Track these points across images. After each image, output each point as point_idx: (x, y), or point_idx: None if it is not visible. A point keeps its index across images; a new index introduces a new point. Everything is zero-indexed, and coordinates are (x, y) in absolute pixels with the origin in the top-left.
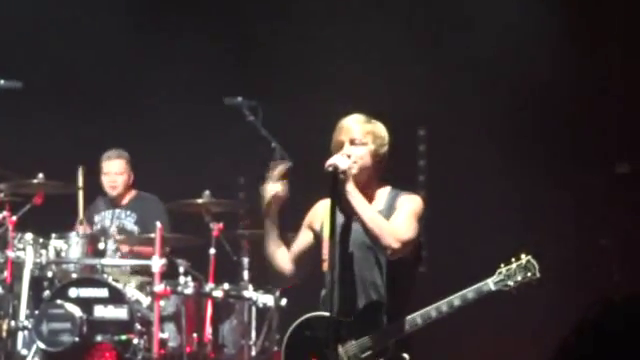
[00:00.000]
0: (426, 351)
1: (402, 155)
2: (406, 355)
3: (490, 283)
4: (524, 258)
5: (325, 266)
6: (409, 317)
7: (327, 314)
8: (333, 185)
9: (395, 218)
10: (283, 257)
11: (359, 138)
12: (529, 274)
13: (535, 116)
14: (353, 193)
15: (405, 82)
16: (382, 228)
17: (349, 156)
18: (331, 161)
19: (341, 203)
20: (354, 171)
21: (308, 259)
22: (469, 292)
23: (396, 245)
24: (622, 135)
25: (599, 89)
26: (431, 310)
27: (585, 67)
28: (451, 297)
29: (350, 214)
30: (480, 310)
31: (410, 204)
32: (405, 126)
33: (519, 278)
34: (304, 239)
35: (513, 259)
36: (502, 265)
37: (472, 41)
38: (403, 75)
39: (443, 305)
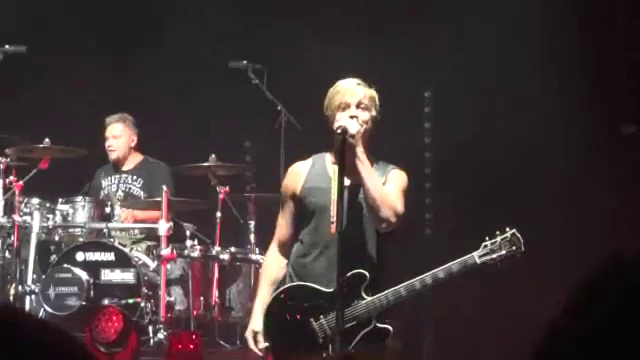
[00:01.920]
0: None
1: (408, 117)
2: (389, 326)
3: (475, 256)
4: (509, 232)
5: (333, 229)
6: (393, 289)
7: (309, 284)
8: (341, 148)
9: (390, 190)
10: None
11: (365, 102)
12: (514, 248)
13: (540, 75)
14: (362, 158)
15: (411, 44)
16: (384, 199)
17: (356, 117)
18: (341, 123)
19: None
20: (361, 135)
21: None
22: (454, 265)
23: (393, 219)
24: (629, 95)
25: (605, 52)
26: (415, 282)
27: (592, 25)
28: (435, 270)
29: (352, 180)
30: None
31: (401, 179)
32: (411, 88)
33: (504, 252)
34: (290, 217)
35: (498, 232)
36: (487, 239)
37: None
38: (408, 37)
39: (427, 277)
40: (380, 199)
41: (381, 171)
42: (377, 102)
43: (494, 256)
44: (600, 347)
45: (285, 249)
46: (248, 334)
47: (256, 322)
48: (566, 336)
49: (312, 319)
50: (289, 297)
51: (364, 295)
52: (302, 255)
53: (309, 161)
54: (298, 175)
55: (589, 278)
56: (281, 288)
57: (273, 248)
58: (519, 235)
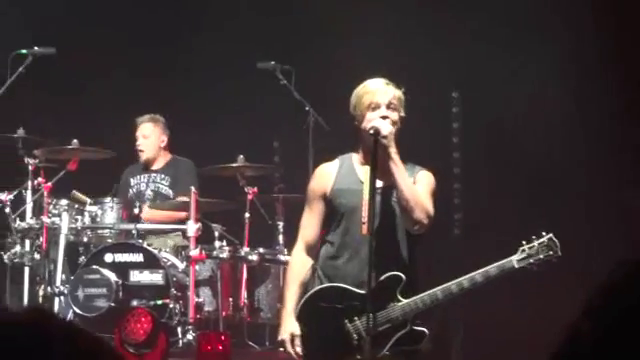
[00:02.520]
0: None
1: (436, 117)
2: (425, 329)
3: (513, 261)
4: (546, 236)
5: (364, 229)
6: (430, 291)
7: (342, 285)
8: (373, 149)
9: (420, 192)
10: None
11: (395, 103)
12: (551, 252)
13: (564, 75)
14: (396, 159)
15: (439, 44)
16: (417, 201)
17: (387, 117)
18: (374, 124)
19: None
20: (393, 134)
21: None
22: (491, 269)
23: (426, 220)
24: None
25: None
26: (452, 285)
27: (614, 20)
28: (473, 273)
29: (383, 181)
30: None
31: (430, 180)
32: (439, 88)
33: (541, 256)
34: (317, 217)
35: (534, 237)
36: (524, 243)
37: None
38: (437, 37)
39: (465, 281)
40: (414, 201)
41: (409, 172)
42: (404, 103)
43: (532, 260)
44: (617, 350)
45: (311, 250)
46: (286, 337)
47: (292, 325)
48: (585, 339)
49: (346, 320)
50: (322, 298)
51: (400, 297)
52: (333, 257)
53: (336, 162)
54: (327, 176)
55: (607, 281)
56: (314, 289)
57: (299, 249)
58: (556, 240)
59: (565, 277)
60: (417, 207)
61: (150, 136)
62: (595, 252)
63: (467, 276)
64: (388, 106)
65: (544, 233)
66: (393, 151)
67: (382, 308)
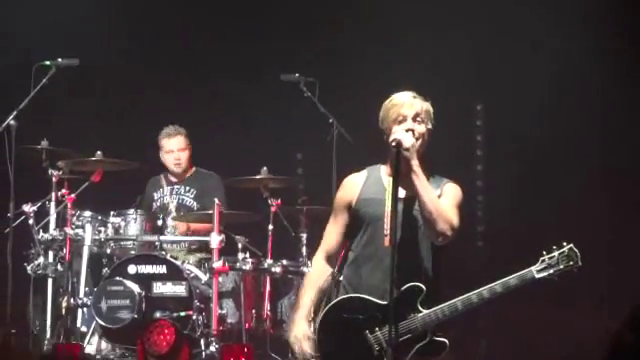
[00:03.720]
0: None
1: (460, 130)
2: (446, 340)
3: (533, 271)
4: (566, 246)
5: (387, 241)
6: (450, 302)
7: (363, 296)
8: (396, 161)
9: (445, 204)
10: (326, 279)
11: (422, 115)
12: (571, 262)
13: (591, 88)
14: (418, 171)
15: (463, 58)
16: (440, 212)
17: (412, 131)
18: (396, 136)
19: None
20: (417, 147)
21: (343, 246)
22: (511, 279)
23: (449, 232)
24: None
25: None
26: (472, 295)
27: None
28: (493, 284)
29: (407, 193)
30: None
31: (456, 192)
32: (463, 101)
33: (562, 267)
34: (341, 227)
35: (555, 247)
36: (544, 253)
37: (528, 15)
38: (461, 51)
39: (485, 291)
40: (436, 212)
41: (436, 184)
42: (431, 116)
43: (552, 271)
44: None
45: (332, 259)
46: (299, 337)
47: (304, 327)
48: (628, 350)
49: (368, 331)
50: (344, 309)
51: (420, 308)
52: (357, 266)
53: (364, 173)
54: (353, 186)
55: (633, 317)
56: (335, 300)
57: (319, 256)
58: (576, 250)
59: (588, 288)
60: (440, 219)
61: (186, 149)
62: (619, 266)
63: (487, 287)
64: (414, 119)
65: (564, 243)
66: (415, 164)
67: (403, 319)
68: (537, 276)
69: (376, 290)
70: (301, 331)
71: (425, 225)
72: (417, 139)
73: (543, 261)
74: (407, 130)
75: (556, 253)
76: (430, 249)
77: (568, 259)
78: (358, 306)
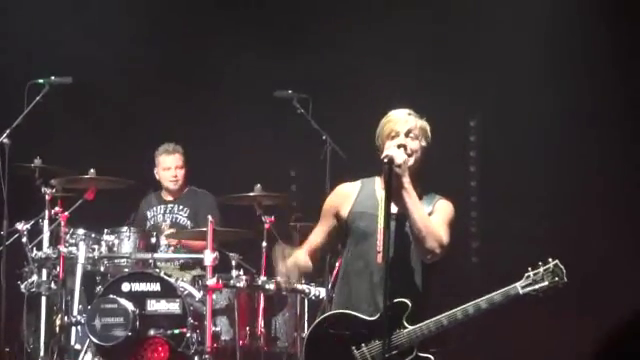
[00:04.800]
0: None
1: (454, 146)
2: (430, 356)
3: (518, 287)
4: (551, 262)
5: (379, 258)
6: (435, 318)
7: (350, 312)
8: (388, 177)
9: (436, 221)
10: (304, 261)
11: (415, 132)
12: (556, 278)
13: (587, 102)
14: (408, 188)
15: (456, 73)
16: (429, 230)
17: (404, 146)
18: (388, 152)
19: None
20: (410, 163)
21: (327, 249)
22: (496, 295)
23: (438, 250)
24: None
25: None
26: (457, 312)
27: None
28: (478, 300)
29: (399, 209)
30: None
31: (448, 210)
32: (456, 117)
33: (546, 283)
34: (326, 230)
35: (540, 263)
36: (530, 269)
37: (521, 32)
38: (455, 66)
39: (469, 307)
40: (425, 230)
41: (429, 202)
42: (428, 133)
43: (537, 287)
44: None
45: (314, 255)
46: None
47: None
48: None
49: (354, 347)
50: (331, 324)
51: (405, 324)
52: (346, 280)
53: (358, 184)
54: (346, 197)
55: (620, 329)
56: (322, 316)
57: (302, 250)
58: (562, 266)
59: (583, 304)
60: (429, 236)
61: (183, 167)
62: (615, 283)
63: (472, 303)
64: (407, 134)
65: (550, 259)
66: (406, 180)
67: (389, 334)
68: (521, 292)
69: (365, 305)
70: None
71: (414, 242)
72: (409, 155)
73: (528, 277)
74: (399, 146)
75: (541, 269)
76: (420, 266)
77: (553, 275)
78: (345, 322)
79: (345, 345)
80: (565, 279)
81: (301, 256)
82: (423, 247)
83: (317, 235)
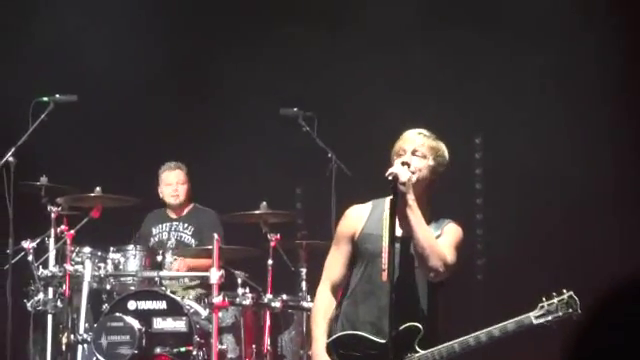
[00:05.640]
0: None
1: (459, 163)
2: None
3: (532, 317)
4: (566, 294)
5: (384, 276)
6: (447, 344)
7: (361, 333)
8: (393, 194)
9: (443, 242)
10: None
11: (421, 150)
12: (570, 310)
13: (593, 118)
14: (413, 206)
15: (461, 90)
16: (433, 249)
17: (408, 164)
18: (392, 170)
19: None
20: (412, 181)
21: (347, 278)
22: (509, 324)
23: (442, 269)
24: None
25: None
26: (469, 339)
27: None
28: (491, 328)
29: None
30: None
31: (456, 232)
32: (462, 134)
33: (560, 314)
34: (342, 259)
35: (555, 294)
36: (544, 299)
37: (528, 47)
38: (460, 83)
39: (482, 335)
40: (429, 249)
41: (437, 225)
42: (440, 153)
43: (550, 318)
44: None
45: (335, 290)
46: None
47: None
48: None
49: None
50: (342, 345)
51: (417, 348)
52: (354, 302)
53: (369, 205)
54: (357, 219)
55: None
56: (333, 336)
57: (324, 288)
58: (576, 297)
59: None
60: (433, 255)
61: (185, 183)
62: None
63: (485, 330)
64: (413, 153)
65: (564, 290)
66: (410, 198)
67: (400, 359)
68: (535, 322)
69: (372, 327)
70: None
71: (418, 260)
72: (412, 172)
73: (542, 307)
74: (403, 163)
75: (555, 300)
76: (427, 287)
77: (567, 306)
78: (355, 343)
79: None
80: (579, 311)
81: (325, 301)
82: (426, 265)
83: (334, 268)
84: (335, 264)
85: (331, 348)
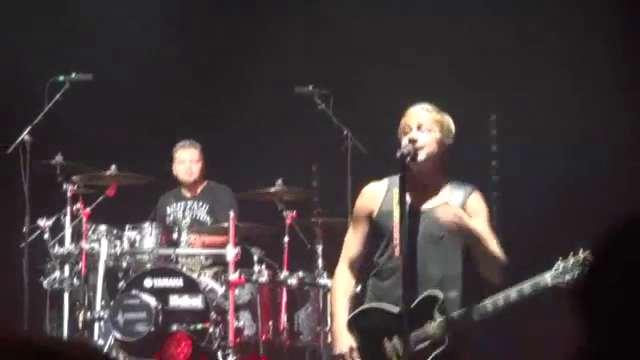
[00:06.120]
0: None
1: (475, 140)
2: (462, 346)
3: (547, 277)
4: (582, 254)
5: (396, 252)
6: (465, 309)
7: (384, 305)
8: (403, 172)
9: (488, 233)
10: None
11: (427, 125)
12: (586, 270)
13: (608, 101)
14: (472, 229)
15: (476, 66)
16: (500, 263)
17: (415, 140)
18: (403, 150)
19: (408, 191)
20: (421, 157)
21: (364, 256)
22: (526, 286)
23: (502, 270)
24: None
25: None
26: (487, 304)
27: None
28: (507, 291)
29: (417, 205)
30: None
31: (484, 208)
32: (477, 111)
33: (576, 274)
34: (360, 237)
35: (571, 253)
36: (559, 259)
37: (543, 23)
38: (475, 60)
39: (500, 299)
40: (498, 264)
41: (460, 193)
42: (445, 125)
43: (566, 277)
44: None
45: (354, 268)
46: (345, 350)
47: (349, 338)
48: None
49: (386, 339)
50: (365, 318)
51: (437, 316)
52: (380, 279)
53: (384, 183)
54: (374, 197)
55: (608, 235)
56: (357, 309)
57: (342, 267)
58: (591, 258)
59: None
60: (500, 269)
61: (199, 161)
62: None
63: (501, 294)
64: (419, 128)
65: (581, 250)
66: (471, 226)
67: (420, 326)
68: (550, 282)
69: (398, 301)
70: (347, 343)
71: (483, 272)
72: (420, 148)
73: (557, 267)
74: (410, 140)
75: (571, 259)
76: (453, 257)
77: (583, 267)
78: (377, 315)
79: (378, 338)
80: None
81: (344, 279)
82: (493, 277)
83: (353, 245)
84: (353, 242)
85: (352, 323)
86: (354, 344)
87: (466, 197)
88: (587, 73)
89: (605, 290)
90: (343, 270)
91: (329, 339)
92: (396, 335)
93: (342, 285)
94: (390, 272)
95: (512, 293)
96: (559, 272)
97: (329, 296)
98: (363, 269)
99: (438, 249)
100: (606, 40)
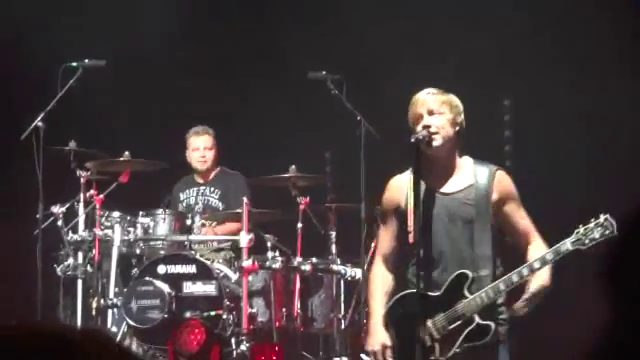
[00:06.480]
0: None
1: (488, 126)
2: (491, 323)
3: (568, 243)
4: (602, 217)
5: (411, 238)
6: (492, 284)
7: (415, 291)
8: (416, 158)
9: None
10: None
11: (436, 108)
12: (607, 232)
13: (616, 79)
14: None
15: (490, 51)
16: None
17: (429, 127)
18: (417, 136)
19: (423, 176)
20: (437, 143)
21: (399, 250)
22: (547, 254)
23: None
24: None
25: None
26: (512, 275)
27: None
28: (531, 261)
29: (433, 188)
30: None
31: (514, 189)
32: (490, 96)
33: (597, 236)
34: (392, 232)
35: (592, 219)
36: (580, 226)
37: (557, 9)
38: (488, 44)
39: (524, 269)
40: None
41: (484, 172)
42: (454, 104)
43: (587, 240)
44: None
45: (389, 263)
46: (378, 348)
47: (383, 335)
48: None
49: (420, 322)
50: (402, 304)
51: (466, 294)
52: (417, 267)
53: (407, 174)
54: (399, 189)
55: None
56: (396, 297)
57: (378, 263)
58: (612, 220)
59: None
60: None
61: (213, 148)
62: None
63: (525, 265)
64: (430, 113)
65: (601, 215)
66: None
67: (451, 307)
68: (571, 247)
69: (436, 286)
70: (380, 340)
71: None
72: (435, 133)
73: (577, 232)
74: (424, 127)
75: (592, 223)
76: (481, 237)
77: (604, 228)
78: (414, 300)
79: (411, 322)
80: (616, 232)
81: (380, 275)
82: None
83: (384, 240)
84: (385, 238)
85: (389, 314)
86: (388, 342)
87: (491, 176)
88: (602, 57)
89: (635, 269)
90: (379, 269)
91: (342, 325)
92: (430, 317)
93: (380, 283)
94: (425, 260)
95: (535, 263)
96: (580, 234)
97: (342, 282)
98: (398, 262)
99: (467, 230)
100: (621, 23)
